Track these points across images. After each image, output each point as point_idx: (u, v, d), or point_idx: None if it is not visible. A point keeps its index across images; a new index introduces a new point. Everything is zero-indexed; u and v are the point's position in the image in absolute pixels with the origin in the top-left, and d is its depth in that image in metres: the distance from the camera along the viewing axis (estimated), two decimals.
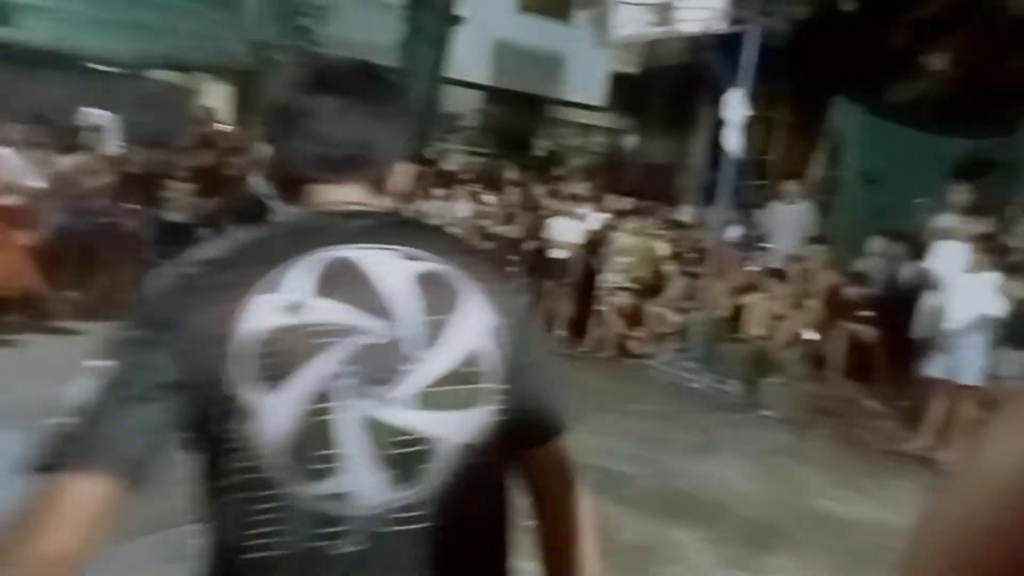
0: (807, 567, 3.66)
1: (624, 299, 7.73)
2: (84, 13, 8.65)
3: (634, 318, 7.74)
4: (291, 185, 1.07)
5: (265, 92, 10.35)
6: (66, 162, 7.38)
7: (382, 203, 1.09)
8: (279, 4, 10.90)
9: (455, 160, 12.46)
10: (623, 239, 8.05)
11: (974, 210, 6.27)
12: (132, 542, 3.15)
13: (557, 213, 8.77)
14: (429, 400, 0.94)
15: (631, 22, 6.61)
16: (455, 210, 8.93)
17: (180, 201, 7.93)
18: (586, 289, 8.53)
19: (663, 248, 8.20)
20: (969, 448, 0.45)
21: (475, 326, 0.99)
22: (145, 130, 8.32)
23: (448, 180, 9.62)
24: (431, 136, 12.84)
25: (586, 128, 15.71)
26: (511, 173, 11.80)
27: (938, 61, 11.84)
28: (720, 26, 6.57)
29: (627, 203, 9.08)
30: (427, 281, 0.97)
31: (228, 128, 9.45)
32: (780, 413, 6.03)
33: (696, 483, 4.54)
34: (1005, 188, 8.93)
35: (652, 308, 7.67)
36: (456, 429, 0.96)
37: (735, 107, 7.01)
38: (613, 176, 13.45)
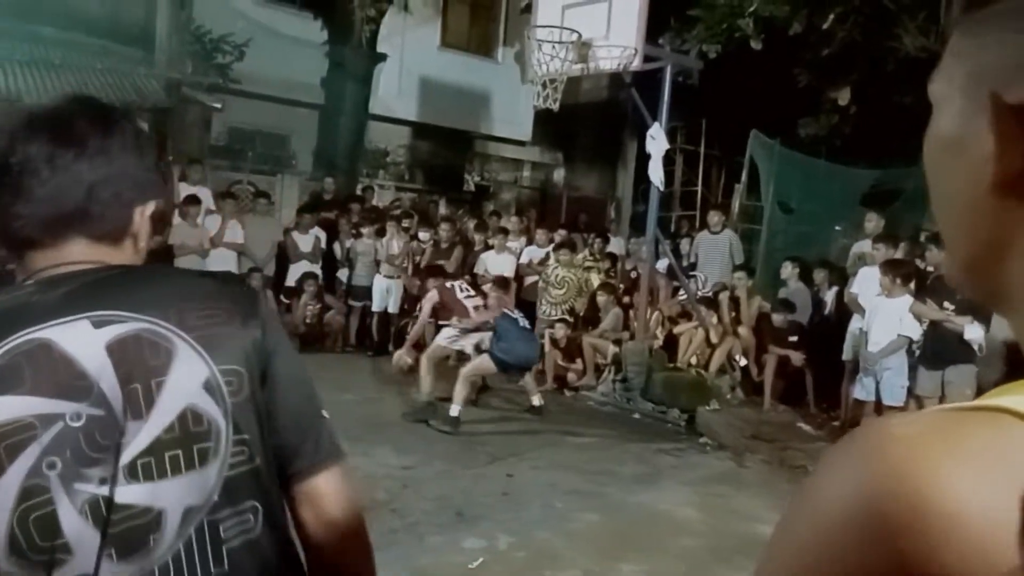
0: None
1: (560, 331, 7.75)
2: None
3: (570, 350, 7.76)
4: (13, 250, 0.97)
5: (183, 129, 10.06)
6: None
7: (120, 256, 1.00)
8: (195, 41, 10.67)
9: (384, 196, 12.36)
10: (556, 271, 8.11)
11: (885, 236, 6.58)
12: None
13: (489, 247, 8.77)
14: (146, 470, 0.89)
15: (552, 59, 6.75)
16: (386, 246, 8.83)
17: None
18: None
19: (596, 280, 8.29)
20: (801, 486, 0.45)
21: (188, 383, 0.92)
22: None
23: (378, 216, 9.52)
24: (358, 173, 12.72)
25: (515, 162, 15.88)
26: (442, 208, 11.79)
27: (842, 96, 12.49)
28: (636, 63, 6.73)
29: (558, 236, 9.17)
30: (128, 345, 0.90)
31: None
32: (718, 440, 6.11)
33: (639, 514, 4.53)
34: (912, 214, 9.43)
35: (588, 339, 7.71)
36: (184, 493, 0.91)
37: (656, 141, 7.19)
38: (544, 209, 13.60)
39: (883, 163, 10.50)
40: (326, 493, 1.05)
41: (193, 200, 8.38)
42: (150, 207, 1.02)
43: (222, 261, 8.50)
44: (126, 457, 0.88)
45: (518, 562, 3.72)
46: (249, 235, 8.72)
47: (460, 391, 5.96)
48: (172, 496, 0.90)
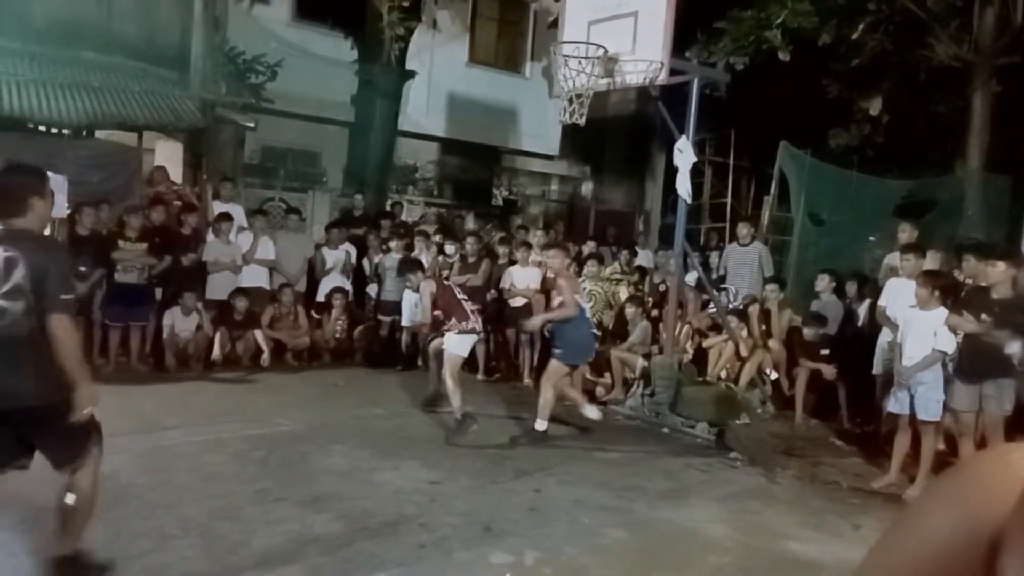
0: None
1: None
2: (30, 75, 8.52)
3: (598, 364, 7.73)
4: None
5: (217, 148, 10.27)
6: None
7: (22, 223, 3.05)
8: (229, 62, 10.90)
9: (413, 212, 12.47)
10: (584, 284, 8.09)
11: (912, 247, 6.47)
12: None
13: (516, 261, 8.80)
14: (11, 295, 2.93)
15: (578, 74, 6.78)
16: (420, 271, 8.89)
17: (131, 262, 7.75)
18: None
19: (624, 293, 8.26)
20: (904, 511, 0.46)
21: (20, 273, 2.94)
22: (94, 191, 8.15)
23: (406, 232, 9.60)
24: (388, 188, 12.85)
25: (543, 176, 15.92)
26: (469, 223, 11.85)
27: (873, 107, 12.35)
28: (662, 77, 6.73)
29: (586, 249, 9.16)
30: (8, 258, 2.93)
31: (179, 187, 9.33)
32: (748, 455, 6.03)
33: (668, 530, 4.49)
34: (946, 226, 9.27)
35: (616, 353, 7.68)
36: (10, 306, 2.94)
37: (683, 154, 7.17)
38: (572, 223, 13.61)
39: (916, 173, 10.35)
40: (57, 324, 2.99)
41: (226, 217, 8.54)
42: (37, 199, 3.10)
43: (254, 277, 8.65)
44: None
45: None
46: (280, 251, 8.86)
47: (546, 403, 6.05)
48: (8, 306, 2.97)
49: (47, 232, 3.33)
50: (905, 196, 10.00)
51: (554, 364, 6.19)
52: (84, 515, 3.19)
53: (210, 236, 8.48)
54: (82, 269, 7.47)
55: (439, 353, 6.58)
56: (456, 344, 6.25)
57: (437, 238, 9.44)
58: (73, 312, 3.16)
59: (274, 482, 4.75)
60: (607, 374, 7.74)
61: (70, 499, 3.12)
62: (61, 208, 7.46)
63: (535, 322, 6.79)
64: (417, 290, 6.86)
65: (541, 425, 6.08)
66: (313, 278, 9.18)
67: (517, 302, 8.60)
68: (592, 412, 6.33)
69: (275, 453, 5.32)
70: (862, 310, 7.43)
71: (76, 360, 3.03)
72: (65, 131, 8.73)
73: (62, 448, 3.09)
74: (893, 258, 7.28)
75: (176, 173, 9.58)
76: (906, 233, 7.19)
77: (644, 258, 9.98)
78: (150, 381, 7.27)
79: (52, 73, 8.69)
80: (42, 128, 8.58)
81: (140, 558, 3.56)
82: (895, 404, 5.58)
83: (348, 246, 9.36)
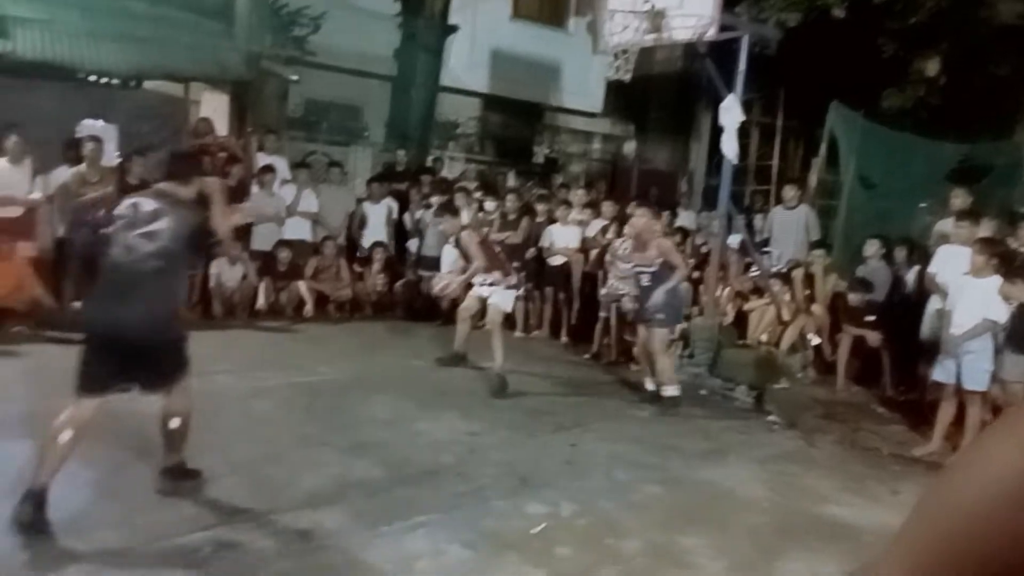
0: (817, 572, 3.63)
1: (627, 305, 7.69)
2: (80, 25, 8.61)
3: (636, 326, 7.70)
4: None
5: (261, 101, 10.33)
6: (66, 174, 7.33)
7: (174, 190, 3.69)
8: (273, 15, 10.88)
9: (454, 168, 12.45)
10: (625, 245, 8.01)
11: (967, 213, 6.27)
12: (139, 552, 3.11)
13: (557, 220, 8.75)
14: (146, 237, 3.48)
15: (625, 29, 6.61)
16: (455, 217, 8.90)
17: None
18: (587, 296, 8.51)
19: None
20: (967, 449, 0.47)
21: (161, 224, 3.50)
22: (142, 140, 8.28)
23: (447, 188, 9.60)
24: (429, 144, 12.83)
25: (585, 135, 15.72)
26: (511, 180, 11.80)
27: (930, 67, 11.88)
28: (711, 33, 6.56)
29: (628, 209, 9.06)
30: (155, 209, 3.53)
31: (224, 138, 9.43)
32: (787, 419, 6.00)
33: (704, 489, 4.51)
34: (1002, 192, 8.96)
35: None
36: (156, 238, 3.48)
37: (730, 113, 7.01)
38: (614, 182, 13.46)
39: (972, 138, 9.97)
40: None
41: (269, 169, 8.63)
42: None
43: (297, 229, 8.76)
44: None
45: (580, 529, 3.76)
46: (323, 204, 8.94)
47: (669, 367, 6.03)
48: (155, 239, 3.50)
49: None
50: (960, 161, 9.65)
51: (661, 333, 6.04)
52: (183, 433, 3.71)
53: (254, 188, 8.59)
54: None
55: (471, 316, 6.62)
56: (501, 299, 6.29)
57: (478, 195, 9.42)
58: (198, 264, 4.02)
59: (318, 428, 4.88)
60: None
61: (174, 423, 3.66)
62: (111, 157, 7.62)
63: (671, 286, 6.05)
64: (456, 243, 6.78)
65: (673, 390, 6.04)
66: (351, 231, 9.27)
67: (556, 261, 8.58)
68: (673, 391, 6.04)
69: (319, 401, 5.45)
70: (910, 277, 7.27)
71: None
72: (114, 81, 8.85)
73: (159, 376, 3.56)
74: (944, 224, 7.08)
75: (221, 125, 9.68)
76: (960, 199, 6.97)
77: (686, 219, 9.85)
78: (198, 328, 7.45)
79: (102, 23, 8.78)
80: (92, 78, 8.71)
81: (192, 493, 3.70)
82: (941, 372, 5.48)
83: (390, 201, 9.40)
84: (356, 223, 9.24)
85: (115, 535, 3.23)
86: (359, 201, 9.39)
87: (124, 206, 3.57)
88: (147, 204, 3.54)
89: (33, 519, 3.14)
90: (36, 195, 7.12)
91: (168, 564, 3.02)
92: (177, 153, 4.02)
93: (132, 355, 3.43)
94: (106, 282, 3.56)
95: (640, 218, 6.28)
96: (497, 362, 6.13)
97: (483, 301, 6.45)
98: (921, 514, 0.47)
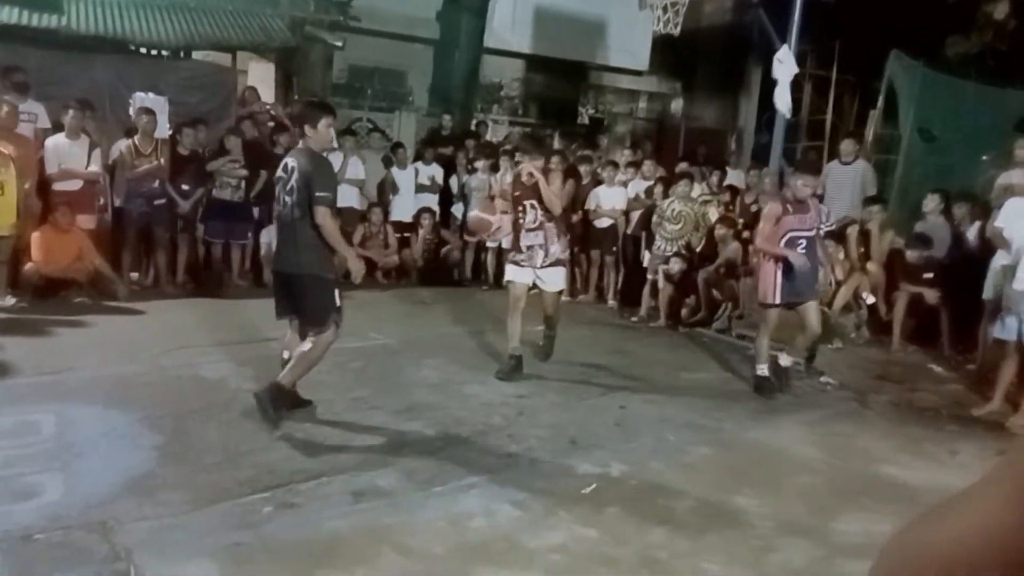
0: (873, 532, 3.58)
1: (675, 267, 7.61)
2: None
3: (685, 286, 7.62)
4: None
5: (306, 68, 10.38)
6: (121, 146, 7.51)
7: (304, 143, 4.37)
8: None
9: (498, 131, 12.36)
10: (673, 206, 7.91)
11: None
12: (200, 511, 3.23)
13: (602, 181, 8.65)
14: (291, 192, 4.21)
15: None
16: (500, 181, 8.87)
17: (229, 180, 8.04)
18: (635, 258, 8.44)
19: (714, 214, 8.04)
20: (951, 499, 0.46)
21: (295, 177, 4.19)
22: (193, 111, 8.43)
23: (492, 151, 9.55)
24: (473, 108, 12.74)
25: (631, 93, 15.41)
26: (555, 142, 11.67)
27: (998, 10, 11.29)
28: None
29: (676, 169, 8.91)
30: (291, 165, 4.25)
31: (271, 106, 9.52)
32: (841, 379, 5.89)
33: (755, 450, 4.47)
34: None
35: (703, 275, 7.54)
36: (296, 189, 4.19)
37: (783, 65, 6.78)
38: (661, 142, 13.21)
39: None
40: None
41: None
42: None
43: (345, 197, 8.80)
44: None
45: (631, 490, 3.78)
46: (369, 171, 8.98)
47: (765, 347, 5.54)
48: (295, 193, 4.22)
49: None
50: None
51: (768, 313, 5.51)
52: (304, 364, 4.23)
53: None
54: (184, 187, 7.81)
55: (523, 300, 5.53)
56: (553, 279, 5.57)
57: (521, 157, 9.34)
58: (332, 206, 4.23)
59: (370, 391, 4.97)
60: (694, 296, 7.63)
61: (305, 345, 4.24)
62: (163, 128, 7.77)
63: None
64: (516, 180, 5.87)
65: (764, 370, 5.57)
66: (383, 198, 9.22)
67: (603, 223, 8.50)
68: (765, 370, 5.57)
69: (371, 365, 5.55)
70: (971, 232, 7.01)
71: (337, 240, 4.27)
72: (164, 52, 8.99)
73: (311, 312, 4.26)
74: (1008, 176, 6.78)
75: (268, 93, 9.76)
76: None
77: (735, 178, 9.62)
78: (251, 295, 7.64)
79: None
80: (143, 50, 8.86)
81: (251, 455, 3.82)
82: (1002, 330, 5.30)
83: (435, 166, 9.38)
84: (388, 190, 9.23)
85: (178, 496, 3.36)
86: (387, 167, 9.34)
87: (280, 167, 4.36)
88: (290, 161, 4.29)
89: (271, 404, 4.13)
90: (94, 168, 7.31)
91: (227, 525, 3.14)
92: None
93: (292, 288, 4.30)
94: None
95: (808, 185, 5.49)
96: (547, 332, 5.83)
97: (532, 287, 5.57)
98: (894, 555, 0.48)
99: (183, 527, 3.10)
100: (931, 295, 6.79)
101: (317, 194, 4.09)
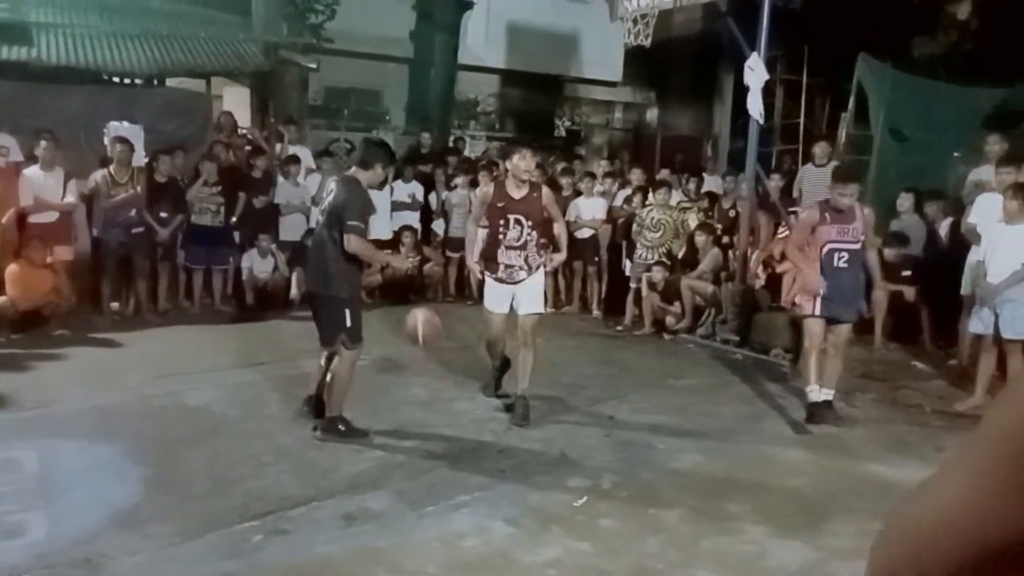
0: (863, 533, 3.61)
1: (657, 275, 7.66)
2: (100, 27, 8.73)
3: (669, 293, 7.67)
4: None
5: (282, 91, 10.38)
6: (97, 176, 7.46)
7: (355, 174, 4.61)
8: (288, 3, 10.90)
9: (476, 147, 12.41)
10: (652, 214, 7.97)
11: (1009, 159, 6.08)
12: (190, 543, 3.20)
13: (581, 192, 8.70)
14: (324, 214, 4.47)
15: None
16: (480, 196, 8.89)
17: (208, 205, 7.99)
18: (617, 267, 8.48)
19: (693, 220, 8.10)
20: (995, 402, 0.47)
21: (329, 201, 4.43)
22: (169, 139, 8.39)
23: (471, 166, 9.58)
24: (450, 124, 12.79)
25: (606, 104, 15.55)
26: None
27: (961, 11, 11.50)
28: None
29: (656, 176, 8.98)
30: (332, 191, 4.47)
31: (247, 130, 9.51)
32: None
33: (744, 454, 4.50)
34: None
35: (687, 281, 7.59)
36: (328, 212, 4.39)
37: (754, 72, 6.87)
38: (638, 151, 13.32)
39: (1008, 81, 9.66)
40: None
41: (293, 160, 8.68)
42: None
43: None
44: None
45: (623, 500, 3.78)
46: None
47: (812, 367, 5.01)
48: (329, 217, 4.43)
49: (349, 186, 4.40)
50: (995, 106, 9.36)
51: (810, 323, 5.02)
52: (339, 390, 4.39)
53: (280, 179, 8.66)
54: (162, 215, 7.76)
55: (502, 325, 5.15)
56: (531, 297, 5.02)
57: (499, 172, 9.38)
58: (362, 235, 4.32)
59: (358, 412, 4.93)
60: (677, 303, 7.67)
61: (329, 377, 4.44)
62: (139, 157, 7.72)
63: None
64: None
65: (816, 395, 5.06)
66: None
67: (584, 233, 8.54)
68: (817, 395, 5.01)
69: (357, 386, 5.51)
70: (944, 229, 7.11)
71: (372, 256, 4.74)
72: (138, 81, 8.96)
73: (321, 330, 4.51)
74: (979, 173, 6.90)
75: (244, 118, 9.75)
76: (997, 145, 6.77)
77: (712, 184, 9.70)
78: (234, 321, 7.59)
79: (122, 24, 8.88)
80: (115, 79, 8.82)
81: (240, 482, 3.79)
82: (978, 324, 5.38)
83: (415, 183, 9.39)
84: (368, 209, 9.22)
85: (166, 528, 3.32)
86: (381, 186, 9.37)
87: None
88: (332, 185, 4.57)
89: (338, 435, 4.36)
90: (70, 199, 7.25)
91: (217, 555, 3.10)
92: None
93: (315, 304, 4.58)
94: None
95: (850, 196, 4.95)
96: (522, 384, 4.94)
97: (508, 312, 5.07)
98: (945, 475, 0.49)
99: (173, 560, 3.07)
100: (910, 292, 6.88)
101: (349, 223, 4.24)
